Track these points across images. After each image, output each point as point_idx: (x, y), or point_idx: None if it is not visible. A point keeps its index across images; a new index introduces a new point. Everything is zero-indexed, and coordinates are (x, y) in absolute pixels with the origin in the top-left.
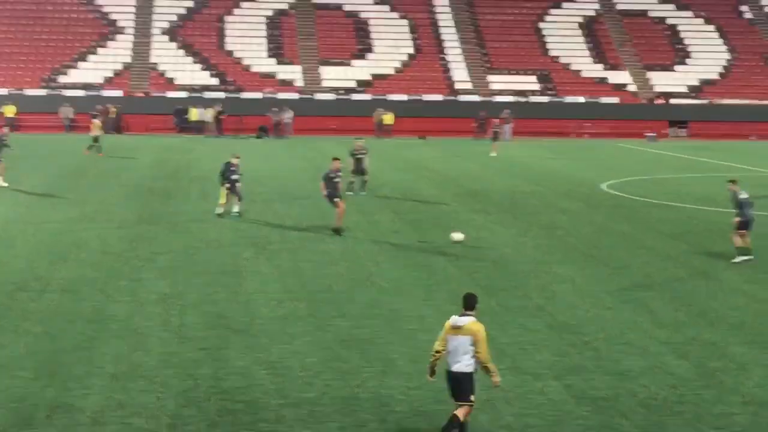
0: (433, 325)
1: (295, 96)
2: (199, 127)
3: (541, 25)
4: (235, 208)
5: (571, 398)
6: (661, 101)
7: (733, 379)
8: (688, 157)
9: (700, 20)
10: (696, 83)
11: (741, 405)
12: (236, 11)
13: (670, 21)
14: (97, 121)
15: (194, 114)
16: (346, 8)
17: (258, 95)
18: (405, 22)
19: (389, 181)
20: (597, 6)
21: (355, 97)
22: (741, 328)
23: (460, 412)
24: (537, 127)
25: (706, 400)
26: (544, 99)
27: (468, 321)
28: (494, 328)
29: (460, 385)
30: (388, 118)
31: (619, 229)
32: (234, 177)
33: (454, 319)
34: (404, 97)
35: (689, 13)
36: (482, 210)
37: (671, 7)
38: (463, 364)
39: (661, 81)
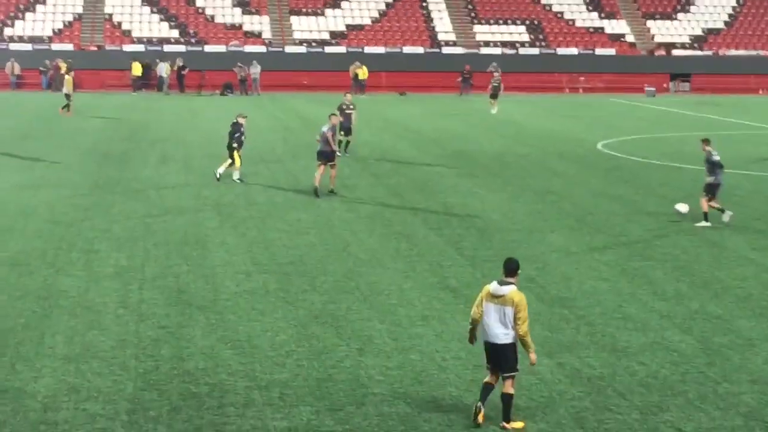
0: (414, 298)
1: (262, 49)
2: (160, 84)
3: None
4: (236, 174)
5: (565, 377)
6: (661, 53)
7: (740, 356)
8: (691, 113)
9: None
10: (700, 33)
11: (748, 384)
12: None
13: None
14: (69, 77)
15: (137, 68)
16: None
17: (222, 49)
18: None
19: (366, 142)
20: None
21: (329, 50)
22: (748, 301)
23: (509, 386)
24: (527, 81)
25: (711, 379)
26: (535, 51)
27: (510, 290)
28: None
29: (506, 357)
30: (363, 73)
31: (617, 194)
32: (243, 138)
33: (495, 287)
34: (382, 50)
35: None
36: (468, 173)
37: None
38: (506, 334)
39: (662, 30)
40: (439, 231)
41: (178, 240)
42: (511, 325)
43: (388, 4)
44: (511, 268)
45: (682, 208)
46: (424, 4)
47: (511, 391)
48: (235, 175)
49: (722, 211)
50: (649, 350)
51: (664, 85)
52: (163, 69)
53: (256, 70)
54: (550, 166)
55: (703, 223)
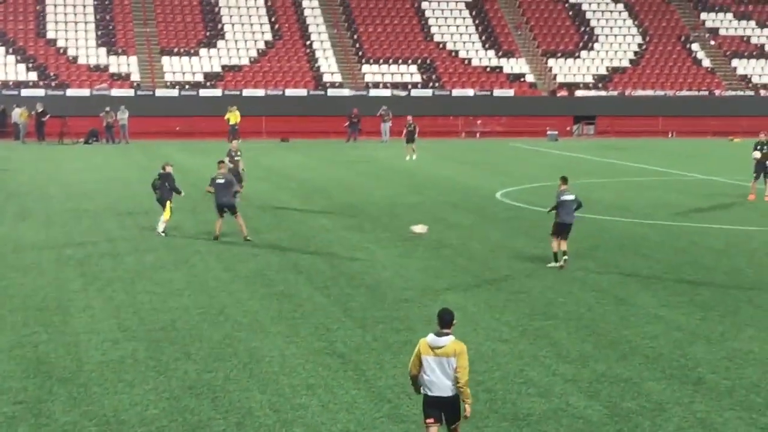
0: (298, 365)
1: (130, 93)
2: (17, 132)
3: (423, 5)
4: (162, 227)
5: None
6: (563, 93)
7: (650, 422)
8: (596, 158)
9: None
10: (604, 72)
11: None
12: None
13: (573, 0)
14: (20, 110)
15: (20, 115)
16: None
17: (86, 92)
18: (261, 2)
19: (244, 193)
20: None
21: (204, 93)
22: (658, 361)
23: None
24: (420, 125)
25: None
26: (428, 92)
27: (449, 340)
28: (371, 368)
29: (455, 408)
30: (234, 117)
31: (517, 247)
32: (177, 186)
33: (433, 339)
34: (262, 92)
35: None
36: (356, 226)
37: None
38: (451, 386)
39: (564, 69)
40: (326, 290)
41: (36, 304)
42: (452, 376)
43: (268, 43)
44: (446, 320)
45: (419, 228)
46: (308, 42)
47: None
48: (161, 228)
49: (556, 259)
50: (553, 418)
51: (567, 128)
52: (17, 115)
53: (123, 116)
54: (445, 218)
55: (550, 264)
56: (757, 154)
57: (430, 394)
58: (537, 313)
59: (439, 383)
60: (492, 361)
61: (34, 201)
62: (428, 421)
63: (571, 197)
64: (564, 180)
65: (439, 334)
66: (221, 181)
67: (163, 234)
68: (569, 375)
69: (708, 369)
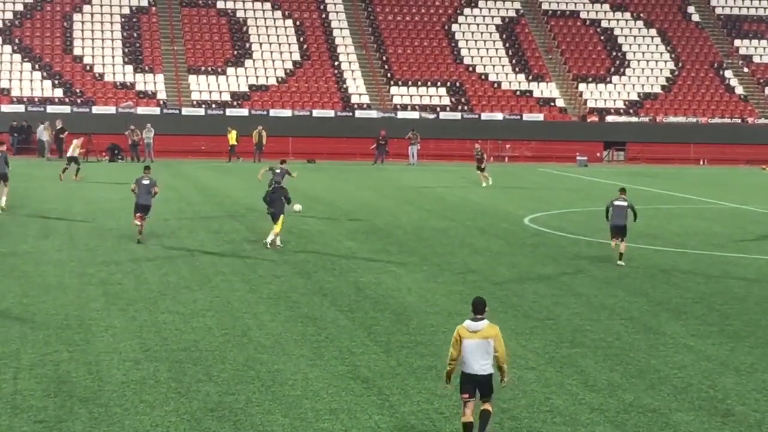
0: (321, 389)
1: (156, 111)
2: (41, 149)
3: (453, 27)
4: (271, 237)
5: None
6: (594, 119)
7: None
8: (625, 184)
9: (641, 23)
10: (635, 98)
11: None
12: (86, 8)
13: (604, 24)
14: (77, 141)
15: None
16: (219, 5)
17: (112, 110)
18: (290, 22)
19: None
20: (518, 5)
21: (230, 112)
22: (687, 392)
23: (489, 405)
24: (448, 149)
25: None
26: (456, 115)
27: (486, 323)
28: (395, 393)
29: (489, 385)
30: (232, 137)
31: (545, 273)
32: (290, 198)
33: (471, 324)
34: (288, 113)
35: (627, 15)
36: (383, 249)
37: (606, 7)
38: (488, 365)
39: (595, 95)
40: (350, 314)
41: (58, 323)
42: (492, 355)
43: (296, 63)
44: (480, 306)
45: (296, 207)
46: (336, 63)
47: (491, 408)
48: (270, 239)
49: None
50: None
51: (597, 154)
52: (42, 132)
53: (149, 134)
54: (471, 242)
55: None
56: None
57: (470, 372)
58: (564, 340)
59: (478, 363)
60: (518, 389)
61: (57, 219)
62: (464, 396)
63: (623, 203)
64: (622, 191)
65: (474, 320)
66: (146, 182)
67: (279, 245)
68: (596, 404)
69: (737, 401)
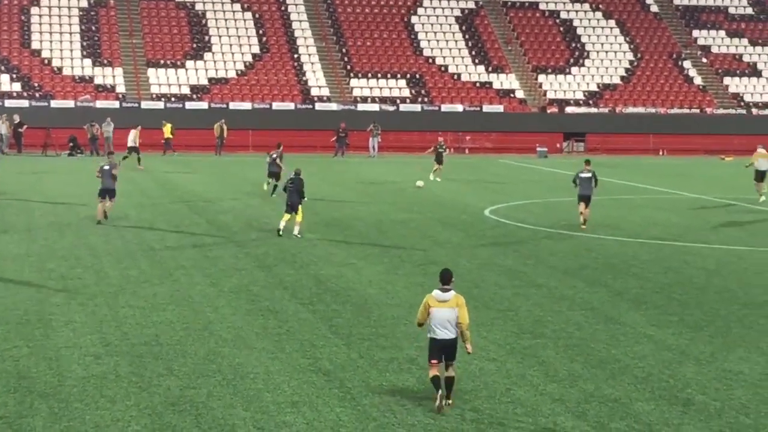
0: (282, 382)
1: (115, 104)
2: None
3: (413, 19)
4: (296, 229)
5: None
6: (554, 110)
7: None
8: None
9: (600, 14)
10: (595, 89)
11: None
12: (44, 1)
13: (564, 15)
14: (135, 131)
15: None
16: None
17: (71, 104)
18: (249, 15)
19: (230, 208)
20: None
21: (190, 105)
22: (647, 381)
23: (452, 370)
24: (409, 140)
25: None
26: (417, 108)
27: (452, 294)
28: (356, 386)
29: (454, 349)
30: (167, 131)
31: (505, 265)
32: (303, 191)
33: (439, 294)
34: (249, 106)
35: (586, 6)
36: (343, 242)
37: None
38: (452, 332)
39: (554, 86)
40: (311, 306)
41: (18, 318)
42: (456, 323)
43: (255, 56)
44: (447, 278)
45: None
46: (296, 55)
47: (454, 374)
48: (296, 230)
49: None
50: None
51: (557, 145)
52: (0, 126)
53: (109, 128)
54: (433, 235)
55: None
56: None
57: (437, 337)
58: (525, 331)
59: (445, 329)
60: (479, 380)
61: (16, 213)
62: (432, 361)
63: (588, 175)
64: (587, 162)
65: (442, 290)
66: (107, 167)
67: (298, 236)
68: (557, 394)
69: (697, 390)
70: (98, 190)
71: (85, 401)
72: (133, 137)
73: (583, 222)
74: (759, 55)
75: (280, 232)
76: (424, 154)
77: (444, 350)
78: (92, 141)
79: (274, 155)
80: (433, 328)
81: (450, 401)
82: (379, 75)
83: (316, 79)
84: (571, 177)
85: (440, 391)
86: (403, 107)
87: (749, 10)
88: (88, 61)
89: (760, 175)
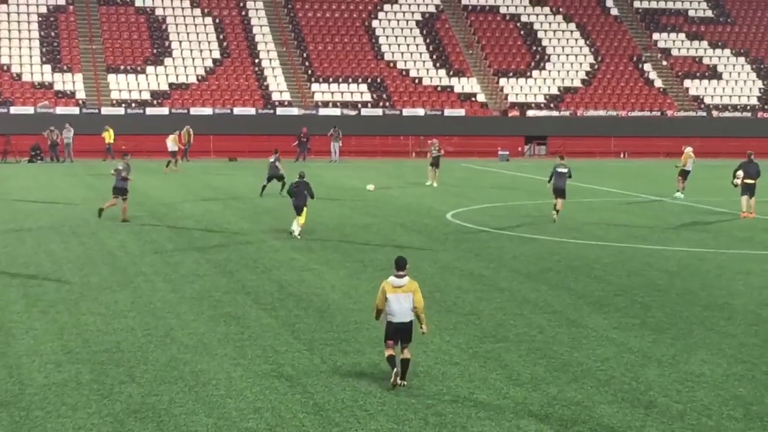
0: (245, 388)
1: (75, 111)
2: None
3: (374, 23)
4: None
5: None
6: (515, 113)
7: None
8: (547, 179)
9: (560, 17)
10: (556, 92)
11: None
12: (2, 7)
13: (524, 18)
14: (173, 136)
15: None
16: (138, 3)
17: (30, 110)
18: (209, 20)
19: (191, 213)
20: (438, 1)
21: (150, 111)
22: (609, 384)
23: (408, 353)
24: (370, 145)
25: None
26: (378, 112)
27: (407, 280)
28: (319, 391)
29: (408, 333)
30: (108, 136)
31: (468, 268)
32: (313, 192)
33: (394, 280)
34: (210, 111)
35: (546, 10)
36: (305, 247)
37: (525, 1)
38: (409, 314)
39: (516, 89)
40: (273, 312)
41: None
42: (411, 307)
43: (216, 61)
44: (401, 264)
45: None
46: (257, 60)
47: (410, 356)
48: (296, 231)
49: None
50: None
51: (519, 149)
52: None
53: (69, 134)
54: (394, 239)
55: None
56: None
57: (394, 321)
58: (488, 335)
59: (401, 313)
60: (442, 384)
61: None
62: (389, 343)
63: (564, 170)
64: (562, 158)
65: (397, 276)
66: (120, 167)
67: (298, 237)
68: (520, 398)
69: (659, 392)
70: (112, 187)
71: (47, 409)
72: (173, 142)
73: (556, 213)
74: (719, 57)
75: (293, 234)
76: (424, 158)
77: (399, 333)
78: (52, 147)
79: (272, 159)
80: (391, 312)
81: (405, 382)
82: (340, 79)
83: (277, 83)
84: (545, 179)
85: (395, 369)
86: (364, 111)
87: (709, 13)
88: (47, 67)
89: (686, 174)
